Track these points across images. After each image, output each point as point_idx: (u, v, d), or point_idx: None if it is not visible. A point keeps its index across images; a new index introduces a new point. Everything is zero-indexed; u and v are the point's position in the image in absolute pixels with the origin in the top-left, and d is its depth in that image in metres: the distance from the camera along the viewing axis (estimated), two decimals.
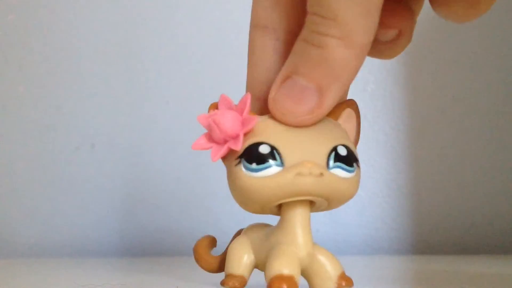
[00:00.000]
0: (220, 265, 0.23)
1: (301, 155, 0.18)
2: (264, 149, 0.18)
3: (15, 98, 0.49)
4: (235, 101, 0.20)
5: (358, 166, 0.19)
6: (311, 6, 0.17)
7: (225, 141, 0.19)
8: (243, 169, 0.19)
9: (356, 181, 0.19)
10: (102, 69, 0.49)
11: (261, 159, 0.18)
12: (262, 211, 0.20)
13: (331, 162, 0.19)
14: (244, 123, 0.19)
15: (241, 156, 0.19)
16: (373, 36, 0.17)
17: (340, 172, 0.19)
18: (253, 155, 0.19)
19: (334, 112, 0.20)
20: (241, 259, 0.21)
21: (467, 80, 0.47)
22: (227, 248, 0.23)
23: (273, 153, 0.18)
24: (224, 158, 0.20)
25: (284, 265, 0.19)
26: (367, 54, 0.19)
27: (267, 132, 0.19)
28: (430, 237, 0.46)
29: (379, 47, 0.21)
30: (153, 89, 0.48)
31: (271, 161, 0.18)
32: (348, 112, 0.21)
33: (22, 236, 0.47)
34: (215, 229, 0.46)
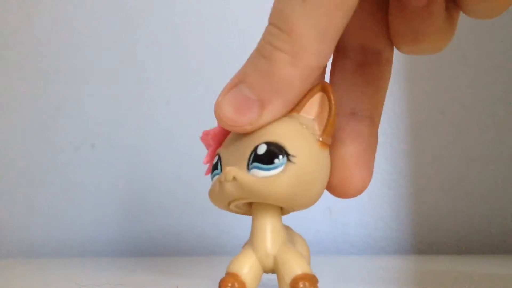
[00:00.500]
0: None
1: (231, 161, 0.19)
2: (215, 160, 0.20)
3: (15, 98, 0.49)
4: None
5: (289, 160, 0.18)
6: (271, 16, 0.17)
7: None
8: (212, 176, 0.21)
9: (288, 176, 0.18)
10: (102, 69, 0.49)
11: (212, 169, 0.21)
12: (225, 209, 0.21)
13: (250, 163, 0.19)
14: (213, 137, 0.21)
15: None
16: (326, 61, 0.17)
17: (256, 171, 0.18)
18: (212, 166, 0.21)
19: (303, 98, 0.19)
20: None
21: (467, 80, 0.47)
22: None
23: (218, 162, 0.20)
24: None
25: (236, 264, 0.20)
26: (409, 51, 0.19)
27: (226, 141, 0.20)
28: (430, 237, 0.46)
29: (412, 20, 0.19)
30: (153, 89, 0.48)
31: (215, 171, 0.20)
32: (319, 97, 0.19)
33: (22, 236, 0.47)
34: (215, 229, 0.46)
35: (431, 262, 0.38)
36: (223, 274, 0.23)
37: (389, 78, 0.22)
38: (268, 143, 0.18)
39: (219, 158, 0.20)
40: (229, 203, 0.20)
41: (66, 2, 0.49)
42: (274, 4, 0.17)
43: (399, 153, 0.46)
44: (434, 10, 0.19)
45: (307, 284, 0.18)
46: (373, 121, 0.21)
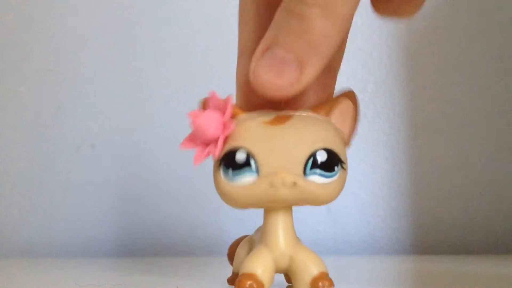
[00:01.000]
0: None
1: (277, 162, 0.18)
2: (240, 156, 0.18)
3: (15, 98, 0.49)
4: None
5: (343, 167, 0.19)
6: None
7: (207, 145, 0.19)
8: (222, 174, 0.19)
9: (339, 183, 0.19)
10: (102, 69, 0.49)
11: (237, 166, 0.18)
12: (248, 208, 0.20)
13: (308, 169, 0.18)
14: (225, 126, 0.19)
15: (221, 161, 0.19)
16: (356, 8, 0.17)
17: (317, 178, 0.18)
18: (230, 161, 0.19)
19: (330, 103, 0.20)
20: (242, 259, 0.21)
21: (467, 80, 0.47)
22: None
23: (249, 160, 0.18)
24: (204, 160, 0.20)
25: (253, 264, 0.19)
26: (383, 14, 0.18)
27: (247, 136, 0.19)
28: (430, 237, 0.45)
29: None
30: (153, 89, 0.48)
31: (246, 169, 0.18)
32: (345, 104, 0.20)
33: (22, 236, 0.47)
34: (215, 229, 0.46)
35: (431, 262, 0.38)
36: (223, 274, 0.23)
37: (344, 50, 0.22)
38: (327, 150, 0.18)
39: (252, 156, 0.18)
40: (253, 207, 0.19)
41: (66, 2, 0.49)
42: None
43: (399, 153, 0.46)
44: None
45: (326, 283, 0.19)
46: (334, 70, 0.21)
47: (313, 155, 0.18)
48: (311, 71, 0.18)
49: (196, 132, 0.19)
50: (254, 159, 0.18)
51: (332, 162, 0.19)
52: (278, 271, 0.20)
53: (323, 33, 0.17)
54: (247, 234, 0.24)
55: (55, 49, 0.49)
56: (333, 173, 0.19)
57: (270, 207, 0.20)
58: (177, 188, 0.47)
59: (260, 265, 0.19)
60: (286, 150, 0.18)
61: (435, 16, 0.47)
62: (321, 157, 0.18)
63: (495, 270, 0.31)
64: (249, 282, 0.18)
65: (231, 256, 0.24)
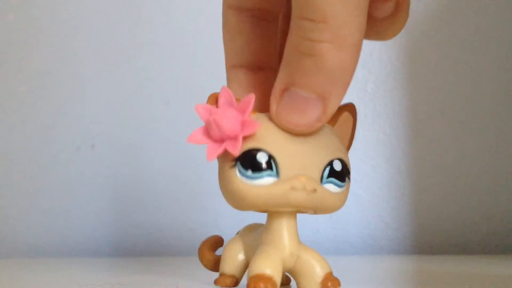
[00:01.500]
0: (218, 265, 0.23)
1: (297, 167, 0.18)
2: (261, 157, 0.18)
3: (15, 98, 0.49)
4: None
5: (349, 178, 0.20)
6: (297, 8, 0.17)
7: (223, 140, 0.19)
8: (238, 173, 0.18)
9: (345, 194, 0.20)
10: (102, 69, 0.49)
11: (258, 167, 0.18)
12: (249, 210, 0.20)
13: (325, 177, 0.19)
14: (244, 125, 0.18)
15: (237, 160, 0.18)
16: (363, 33, 0.17)
17: (331, 187, 0.19)
18: (250, 162, 0.18)
19: (332, 116, 0.20)
20: (234, 259, 0.22)
21: (467, 80, 0.47)
22: None
23: (270, 162, 0.18)
24: (218, 156, 0.19)
25: (264, 264, 0.19)
26: (366, 38, 0.18)
27: (267, 138, 0.19)
28: (430, 237, 0.46)
29: (377, 26, 0.20)
30: (153, 89, 0.48)
31: (267, 171, 0.18)
32: (346, 116, 0.21)
33: (22, 236, 0.47)
34: (215, 229, 0.46)
35: (431, 262, 0.38)
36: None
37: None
38: (341, 160, 0.19)
39: (273, 159, 0.18)
40: (267, 208, 0.19)
41: (66, 2, 0.49)
42: None
43: (399, 153, 0.47)
44: (399, 17, 0.19)
45: (336, 283, 0.19)
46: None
47: (331, 164, 0.19)
48: (334, 104, 0.18)
49: (213, 127, 0.18)
50: (275, 162, 0.18)
51: (344, 173, 0.19)
52: (284, 271, 0.20)
53: (338, 66, 0.17)
54: (218, 235, 0.25)
55: (55, 49, 0.49)
56: (344, 183, 0.19)
57: (277, 210, 0.20)
58: (176, 188, 0.47)
59: (271, 265, 0.19)
60: (305, 156, 0.19)
61: (435, 16, 0.47)
62: (337, 166, 0.19)
63: (495, 270, 0.31)
64: (262, 284, 0.18)
65: (203, 256, 0.24)
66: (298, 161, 0.18)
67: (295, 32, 0.17)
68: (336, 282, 0.19)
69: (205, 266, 0.24)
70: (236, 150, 0.18)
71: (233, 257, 0.22)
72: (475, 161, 0.46)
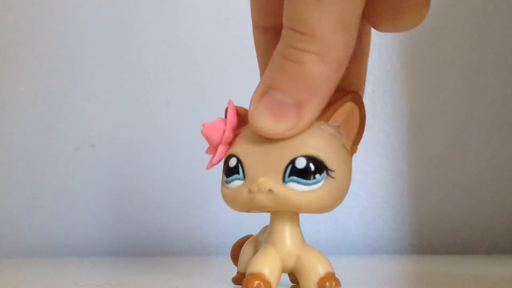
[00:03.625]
0: None
1: (260, 169, 0.19)
2: (232, 162, 0.19)
3: (15, 98, 0.49)
4: (239, 100, 0.21)
5: (329, 175, 0.18)
6: (288, 20, 0.17)
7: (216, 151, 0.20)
8: (223, 179, 0.20)
9: (327, 191, 0.19)
10: (102, 69, 0.49)
11: (229, 172, 0.20)
12: (246, 212, 0.20)
13: (286, 176, 0.18)
14: (224, 134, 0.20)
15: (223, 166, 0.20)
16: (351, 50, 0.17)
17: (295, 185, 0.18)
18: (226, 167, 0.20)
19: (332, 106, 0.19)
20: (248, 259, 0.21)
21: (467, 80, 0.47)
22: None
23: (238, 166, 0.19)
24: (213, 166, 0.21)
25: (260, 263, 0.19)
26: (387, 29, 0.19)
27: (241, 143, 0.20)
28: (430, 237, 0.45)
29: (400, 9, 0.19)
30: (153, 89, 0.48)
31: (235, 175, 0.19)
32: (349, 107, 0.20)
33: (22, 236, 0.47)
34: (215, 229, 0.46)
35: (431, 262, 0.38)
36: (223, 274, 0.23)
37: (369, 51, 0.23)
38: (307, 157, 0.18)
39: (240, 162, 0.19)
40: (246, 210, 0.20)
41: (66, 2, 0.49)
42: (287, 8, 0.17)
43: (399, 153, 0.46)
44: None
45: (333, 283, 0.19)
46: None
47: (292, 162, 0.18)
48: (309, 114, 0.18)
49: (207, 141, 0.20)
50: (242, 165, 0.19)
51: (313, 169, 0.18)
52: (284, 270, 0.20)
53: (320, 77, 0.17)
54: (250, 234, 0.24)
55: (55, 49, 0.49)
56: (314, 180, 0.18)
57: (255, 212, 0.20)
58: (176, 188, 0.47)
59: (267, 264, 0.19)
60: (269, 157, 0.19)
61: (435, 16, 0.47)
62: (300, 164, 0.18)
63: (495, 270, 0.31)
64: (256, 282, 0.18)
65: (234, 256, 0.24)
66: (263, 161, 0.19)
67: (283, 39, 0.17)
68: (335, 282, 0.19)
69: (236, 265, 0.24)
70: (215, 159, 0.20)
71: (247, 257, 0.22)
72: (475, 161, 0.46)
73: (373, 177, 0.46)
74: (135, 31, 0.49)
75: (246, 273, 0.19)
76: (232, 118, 0.20)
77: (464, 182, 0.46)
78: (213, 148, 0.20)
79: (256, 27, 0.22)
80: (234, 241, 0.23)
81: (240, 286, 0.21)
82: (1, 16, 0.49)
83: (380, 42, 0.47)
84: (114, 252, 0.47)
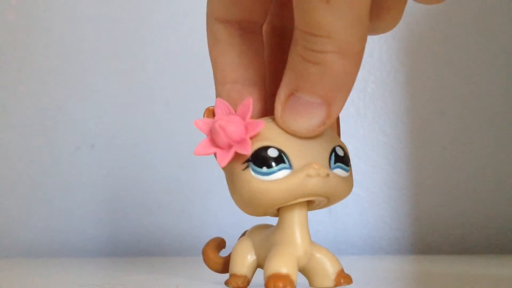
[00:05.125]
0: (226, 266, 0.23)
1: (307, 157, 0.19)
2: (272, 153, 0.19)
3: (15, 98, 0.49)
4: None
5: (350, 165, 0.21)
6: (303, 25, 0.17)
7: (230, 146, 0.19)
8: (253, 173, 0.19)
9: (352, 179, 0.21)
10: (102, 69, 0.49)
11: (271, 163, 0.19)
12: (264, 214, 0.20)
13: (332, 163, 0.20)
14: (249, 127, 0.19)
15: (249, 160, 0.19)
16: (366, 40, 0.18)
17: (340, 171, 0.20)
18: (262, 159, 0.19)
19: None
20: (244, 260, 0.22)
21: (467, 80, 0.47)
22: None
23: (282, 156, 0.19)
24: (230, 160, 0.20)
25: (281, 264, 0.19)
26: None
27: (272, 136, 0.19)
28: (430, 237, 0.46)
29: (379, 12, 0.20)
30: (153, 89, 0.48)
31: (281, 164, 0.19)
32: None
33: (22, 236, 0.47)
34: (215, 229, 0.46)
35: (431, 262, 0.38)
36: (222, 274, 0.23)
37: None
38: (341, 147, 0.20)
39: (283, 153, 0.19)
40: (286, 202, 0.20)
41: (67, 2, 0.49)
42: (299, 13, 0.17)
43: (399, 153, 0.47)
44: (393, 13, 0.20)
45: (347, 279, 0.20)
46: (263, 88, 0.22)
47: (334, 151, 0.20)
48: (337, 109, 0.19)
49: (218, 135, 0.19)
50: (286, 155, 0.19)
51: (348, 157, 0.20)
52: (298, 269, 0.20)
53: (342, 72, 0.18)
54: (219, 236, 0.24)
55: (55, 49, 0.49)
56: (349, 167, 0.20)
57: (287, 205, 0.20)
58: (176, 188, 0.47)
59: (288, 264, 0.19)
60: (310, 147, 0.19)
61: (435, 16, 0.47)
62: (340, 152, 0.20)
63: (495, 270, 0.31)
64: (281, 283, 0.18)
65: (209, 258, 0.24)
66: (306, 151, 0.19)
67: (301, 43, 0.18)
68: (348, 278, 0.20)
69: (212, 268, 0.24)
70: (247, 150, 0.19)
71: (243, 258, 0.22)
72: (475, 161, 0.46)
73: (373, 177, 0.46)
74: (135, 31, 0.49)
75: (267, 274, 0.19)
76: (251, 110, 0.20)
77: (464, 182, 0.46)
78: (223, 144, 0.19)
79: (217, 20, 0.21)
80: (234, 241, 0.23)
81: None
82: (1, 16, 0.49)
83: (380, 42, 0.47)
84: (114, 252, 0.47)
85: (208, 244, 0.24)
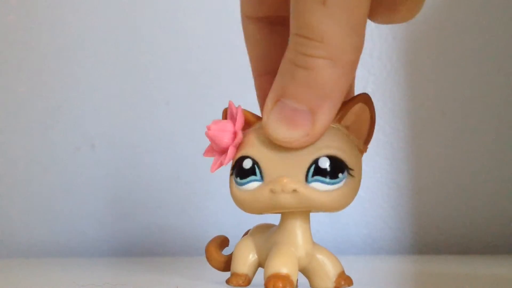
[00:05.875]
0: (228, 264, 0.23)
1: (280, 170, 0.19)
2: (247, 164, 0.19)
3: (15, 98, 0.49)
4: (239, 100, 0.21)
5: (350, 174, 0.19)
6: (296, 27, 0.17)
7: (223, 152, 0.20)
8: (234, 181, 0.20)
9: (347, 190, 0.19)
10: (102, 69, 0.49)
11: (244, 174, 0.19)
12: (260, 213, 0.20)
13: (310, 176, 0.19)
14: (235, 136, 0.20)
15: (233, 168, 0.20)
16: (361, 51, 0.17)
17: (319, 185, 0.19)
18: (238, 169, 0.20)
19: (343, 108, 0.20)
20: (246, 259, 0.22)
21: (467, 80, 0.47)
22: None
23: (254, 168, 0.19)
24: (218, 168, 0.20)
25: (281, 264, 0.19)
26: (384, 21, 0.19)
27: (254, 145, 0.19)
28: (430, 237, 0.46)
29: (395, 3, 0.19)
30: (153, 89, 0.48)
31: (252, 176, 0.19)
32: (359, 108, 0.20)
33: (22, 236, 0.47)
34: (215, 229, 0.46)
35: (431, 262, 0.38)
36: (223, 274, 0.23)
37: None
38: (330, 157, 0.18)
39: (256, 163, 0.19)
40: (262, 211, 0.20)
41: (66, 2, 0.49)
42: (293, 14, 0.17)
43: (399, 153, 0.47)
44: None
45: (348, 281, 0.20)
46: None
47: (315, 162, 0.18)
48: (324, 119, 0.18)
49: (211, 142, 0.20)
50: (259, 167, 0.19)
51: (336, 169, 0.19)
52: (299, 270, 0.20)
53: (331, 81, 0.17)
54: (222, 234, 0.24)
55: (55, 49, 0.49)
56: (337, 180, 0.19)
57: (276, 213, 0.20)
58: (176, 188, 0.47)
59: (288, 264, 0.19)
60: (289, 158, 0.19)
61: (435, 16, 0.47)
62: (323, 164, 0.18)
63: (495, 270, 0.31)
64: (281, 283, 0.18)
65: (212, 256, 0.24)
66: (282, 163, 0.19)
67: (292, 46, 0.17)
68: (349, 280, 0.20)
69: (214, 266, 0.24)
70: (226, 161, 0.20)
71: (245, 257, 0.22)
72: (475, 161, 0.46)
73: (373, 177, 0.46)
74: (135, 31, 0.49)
75: (267, 274, 0.19)
76: (241, 119, 0.20)
77: (464, 182, 0.46)
78: (218, 150, 0.20)
79: (247, 18, 0.21)
80: (234, 241, 0.23)
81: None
82: (1, 16, 0.49)
83: (380, 42, 0.47)
84: (114, 252, 0.47)
85: (211, 242, 0.24)
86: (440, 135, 0.46)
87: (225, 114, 0.21)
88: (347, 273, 0.21)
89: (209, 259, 0.24)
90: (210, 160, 0.21)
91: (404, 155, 0.46)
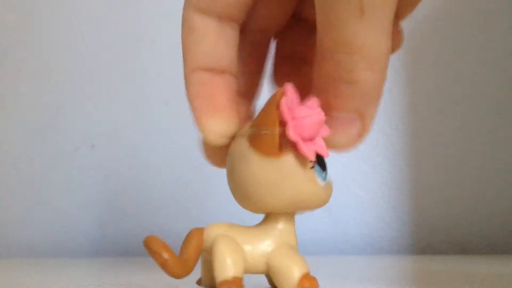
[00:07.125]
0: (192, 266, 0.21)
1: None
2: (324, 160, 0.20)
3: (15, 98, 0.49)
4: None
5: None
6: (332, 43, 0.17)
7: (309, 140, 0.18)
8: (317, 176, 0.19)
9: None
10: (102, 69, 0.49)
11: (325, 169, 0.20)
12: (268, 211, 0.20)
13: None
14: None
15: (315, 162, 0.19)
16: (390, 48, 0.18)
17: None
18: (323, 164, 0.19)
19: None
20: (237, 261, 0.20)
21: (467, 80, 0.47)
22: (183, 248, 0.21)
23: (323, 161, 0.19)
24: (279, 153, 0.18)
25: (304, 264, 0.19)
26: None
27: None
28: (430, 237, 0.45)
29: None
30: (153, 89, 0.48)
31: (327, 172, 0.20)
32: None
33: (22, 236, 0.47)
34: None
35: (431, 262, 0.38)
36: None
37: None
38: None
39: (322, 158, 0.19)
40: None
41: (66, 2, 0.49)
42: (326, 28, 0.17)
43: (399, 153, 0.46)
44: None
45: (312, 283, 0.19)
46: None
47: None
48: (371, 120, 0.19)
49: (311, 128, 0.18)
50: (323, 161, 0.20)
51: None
52: (257, 271, 0.20)
53: (374, 88, 0.18)
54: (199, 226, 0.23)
55: (55, 49, 0.49)
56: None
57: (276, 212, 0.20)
58: (176, 188, 0.47)
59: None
60: None
61: (435, 16, 0.47)
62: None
63: (495, 270, 0.31)
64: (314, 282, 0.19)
65: (191, 251, 0.22)
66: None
67: (332, 63, 0.18)
68: (313, 282, 0.19)
69: (179, 271, 0.22)
70: (325, 152, 0.19)
71: (235, 259, 0.20)
72: (475, 161, 0.46)
73: (373, 177, 0.46)
74: (135, 31, 0.49)
75: (297, 275, 0.19)
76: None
77: (464, 182, 0.46)
78: (306, 138, 0.18)
79: (198, 10, 0.21)
80: None
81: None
82: (1, 16, 0.49)
83: None
84: (114, 252, 0.47)
85: (156, 243, 0.22)
86: (440, 135, 0.46)
87: (279, 99, 0.18)
88: (346, 273, 0.21)
89: (165, 264, 0.21)
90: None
91: (404, 155, 0.46)
